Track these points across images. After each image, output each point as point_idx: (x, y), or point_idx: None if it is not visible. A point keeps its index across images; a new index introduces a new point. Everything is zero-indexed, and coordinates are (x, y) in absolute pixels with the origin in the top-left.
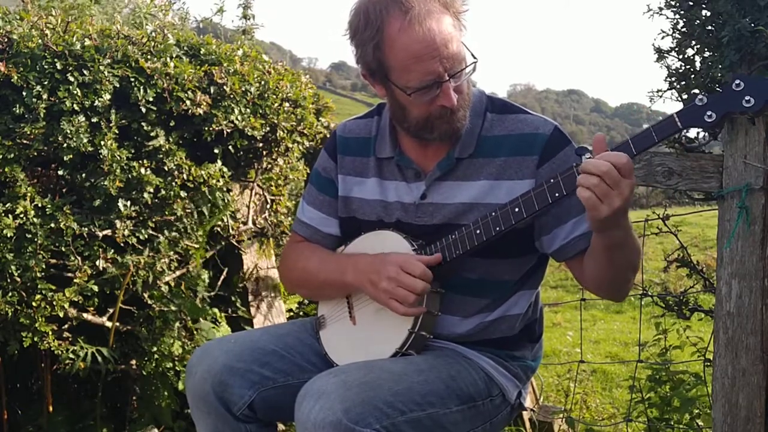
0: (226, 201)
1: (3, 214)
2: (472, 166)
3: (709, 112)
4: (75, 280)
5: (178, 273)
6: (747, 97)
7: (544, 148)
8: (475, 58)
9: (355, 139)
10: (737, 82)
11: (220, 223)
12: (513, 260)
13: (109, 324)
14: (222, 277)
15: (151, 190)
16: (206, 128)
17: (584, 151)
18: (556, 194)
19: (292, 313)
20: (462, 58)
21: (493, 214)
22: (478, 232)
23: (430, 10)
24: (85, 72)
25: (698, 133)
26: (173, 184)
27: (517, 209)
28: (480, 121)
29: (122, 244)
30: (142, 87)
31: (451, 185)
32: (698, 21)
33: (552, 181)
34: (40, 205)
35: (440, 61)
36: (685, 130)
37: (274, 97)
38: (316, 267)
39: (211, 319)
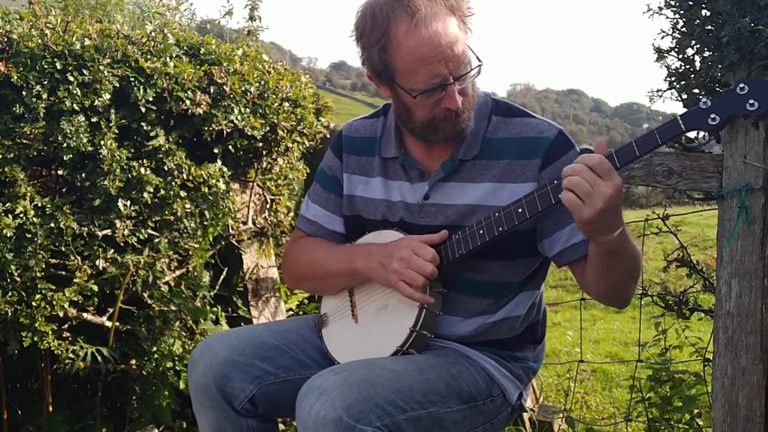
0: (228, 207)
1: (3, 214)
2: (476, 168)
3: (712, 115)
4: (75, 280)
5: (178, 273)
6: (751, 101)
7: (547, 151)
8: (480, 61)
9: (360, 139)
10: (741, 85)
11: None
12: (518, 261)
13: (109, 324)
14: (222, 277)
15: (151, 190)
16: (206, 128)
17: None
18: (559, 196)
19: (291, 313)
20: (467, 61)
21: (497, 214)
22: (481, 232)
23: (437, 13)
24: (84, 72)
25: (698, 132)
26: (173, 183)
27: (520, 210)
28: (485, 124)
29: (122, 244)
30: (141, 87)
31: (454, 186)
32: (698, 21)
33: (555, 182)
34: (39, 204)
35: (446, 63)
36: (688, 133)
37: (274, 96)
38: (323, 257)
39: (213, 320)
